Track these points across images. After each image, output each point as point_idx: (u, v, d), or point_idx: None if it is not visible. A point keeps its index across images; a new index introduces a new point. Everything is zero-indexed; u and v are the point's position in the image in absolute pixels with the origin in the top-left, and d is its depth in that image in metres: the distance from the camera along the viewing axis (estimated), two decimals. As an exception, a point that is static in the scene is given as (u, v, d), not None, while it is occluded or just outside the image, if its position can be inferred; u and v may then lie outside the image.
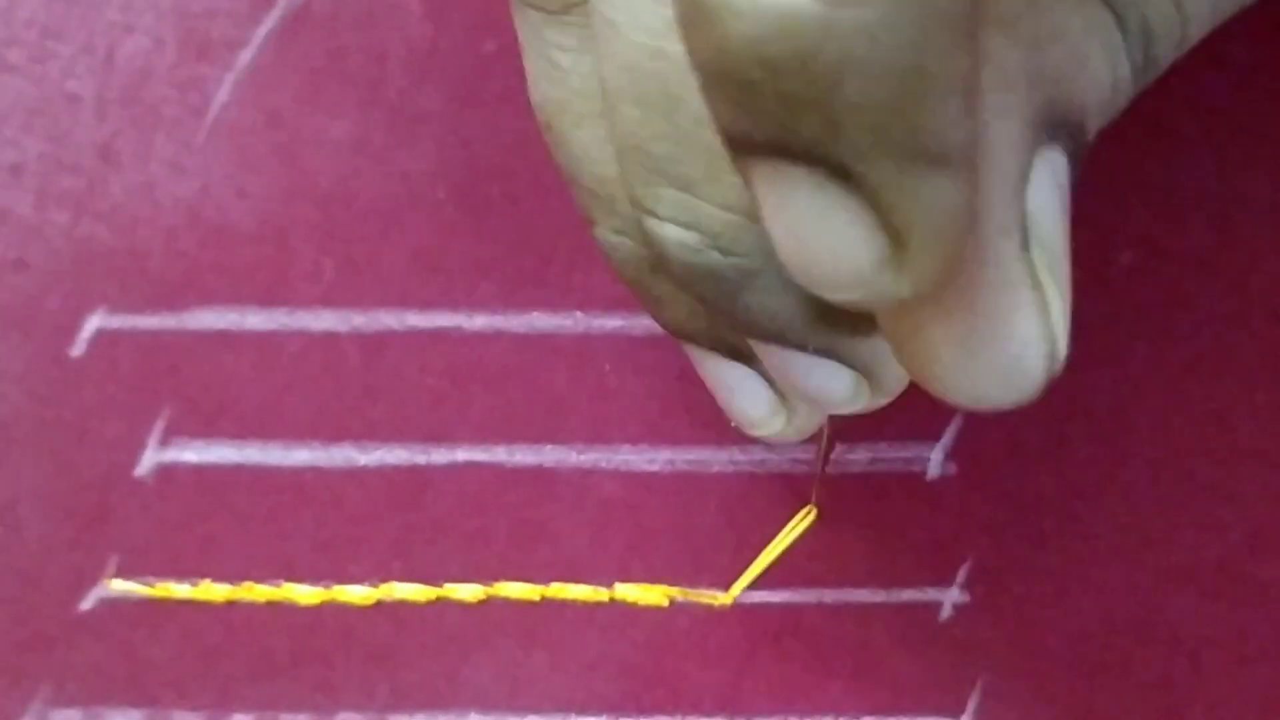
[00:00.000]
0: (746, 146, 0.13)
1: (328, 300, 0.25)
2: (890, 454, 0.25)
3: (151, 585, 0.25)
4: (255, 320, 0.25)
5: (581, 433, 0.25)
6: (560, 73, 0.18)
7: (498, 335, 0.25)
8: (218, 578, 0.25)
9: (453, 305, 0.25)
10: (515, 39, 0.20)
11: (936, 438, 0.25)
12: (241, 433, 0.25)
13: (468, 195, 0.25)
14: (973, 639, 0.24)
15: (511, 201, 0.25)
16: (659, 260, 0.17)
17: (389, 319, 0.25)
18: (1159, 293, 0.25)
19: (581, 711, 0.24)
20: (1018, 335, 0.15)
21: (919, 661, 0.24)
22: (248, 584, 0.25)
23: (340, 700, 0.25)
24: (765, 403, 0.20)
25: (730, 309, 0.17)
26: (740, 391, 0.20)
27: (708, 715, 0.24)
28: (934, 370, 0.15)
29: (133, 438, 0.25)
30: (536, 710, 0.24)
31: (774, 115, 0.12)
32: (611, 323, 0.25)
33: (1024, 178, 0.15)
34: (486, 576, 0.25)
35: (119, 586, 0.25)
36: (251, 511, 0.25)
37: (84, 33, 0.25)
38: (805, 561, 0.25)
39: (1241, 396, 0.24)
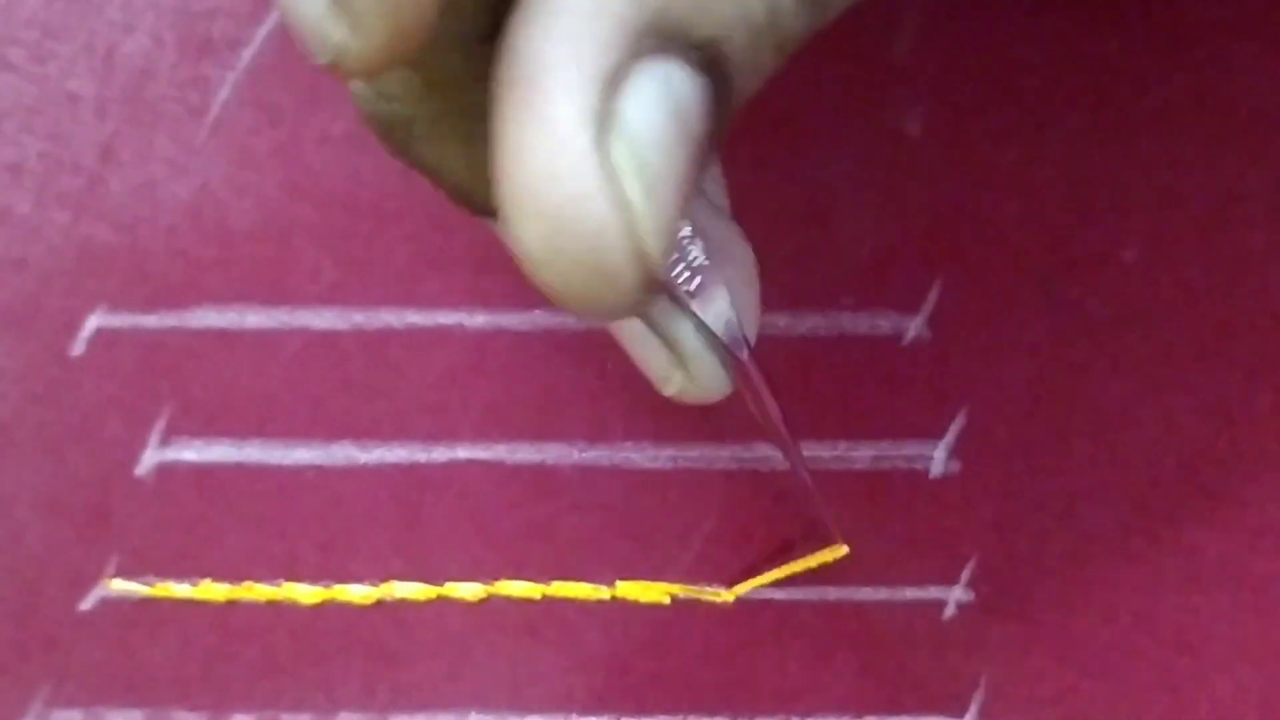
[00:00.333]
0: None
1: (328, 298, 0.25)
2: (894, 452, 0.25)
3: (152, 585, 0.25)
4: (256, 319, 0.25)
5: (583, 431, 0.25)
6: None
7: (499, 333, 0.25)
8: (218, 577, 0.25)
9: (453, 303, 0.25)
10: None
11: (940, 436, 0.25)
12: (242, 432, 0.25)
13: (469, 193, 0.25)
14: (977, 638, 0.24)
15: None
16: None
17: (389, 317, 0.25)
18: (1160, 292, 0.25)
19: (583, 710, 0.24)
20: (589, 226, 0.15)
21: (922, 660, 0.24)
22: (248, 583, 0.25)
23: (341, 700, 0.24)
24: (664, 358, 0.21)
25: (409, 161, 0.18)
26: (640, 348, 0.21)
27: (709, 713, 0.24)
28: (523, 252, 0.15)
29: (133, 437, 0.25)
30: (538, 709, 0.24)
31: None
32: (613, 321, 0.25)
33: (614, 78, 0.15)
34: (487, 575, 0.25)
35: (119, 586, 0.25)
36: (252, 511, 0.25)
37: (84, 32, 0.25)
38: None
39: (1241, 396, 0.24)
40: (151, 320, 0.25)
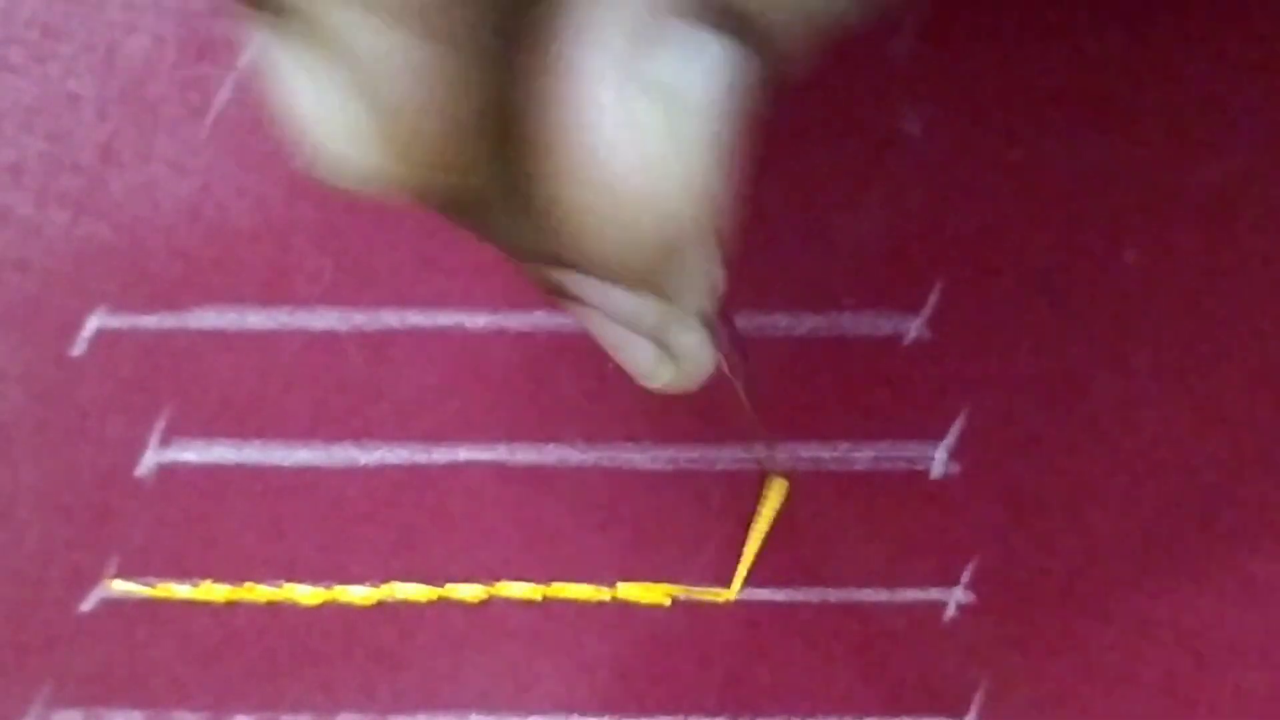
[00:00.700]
0: None
1: (328, 299, 0.25)
2: (894, 453, 0.25)
3: (152, 585, 0.25)
4: (256, 319, 0.25)
5: (583, 432, 0.25)
6: None
7: (499, 334, 0.25)
8: (218, 578, 0.25)
9: (454, 304, 0.25)
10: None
11: (940, 437, 0.25)
12: (242, 432, 0.25)
13: (469, 194, 0.25)
14: (977, 639, 0.24)
15: (513, 200, 0.25)
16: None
17: (390, 318, 0.25)
18: (1160, 292, 0.25)
19: (583, 711, 0.24)
20: (619, 185, 0.15)
21: (923, 661, 0.24)
22: (248, 584, 0.25)
23: (341, 700, 0.24)
24: (649, 352, 0.20)
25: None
26: (623, 343, 0.21)
27: (710, 714, 0.24)
28: (557, 212, 0.15)
29: (133, 437, 0.25)
30: (538, 710, 0.24)
31: None
32: (613, 322, 0.25)
33: (649, 38, 0.15)
34: (488, 576, 0.25)
35: (120, 587, 0.25)
36: (252, 511, 0.25)
37: (85, 32, 0.25)
38: (808, 560, 0.24)
39: (1241, 396, 0.24)
40: (152, 321, 0.25)
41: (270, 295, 0.25)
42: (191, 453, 0.25)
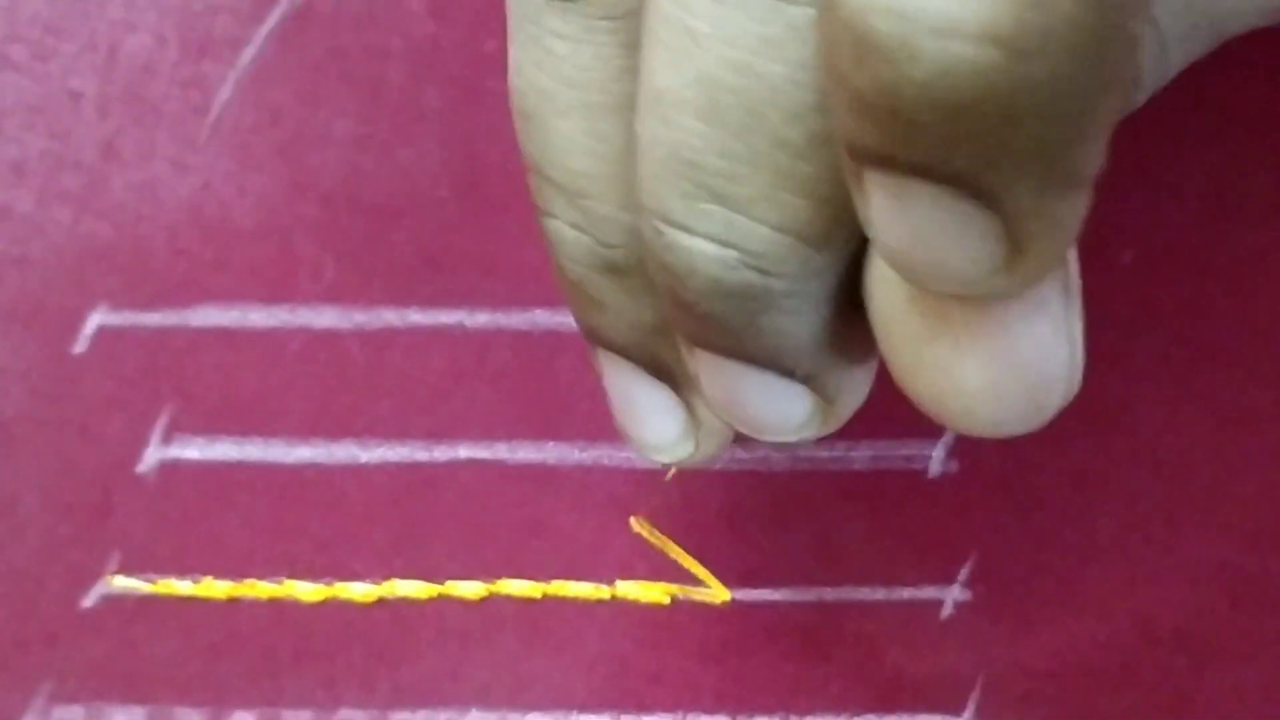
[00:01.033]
0: (879, 163, 0.13)
1: (330, 297, 0.25)
2: (892, 451, 0.25)
3: (153, 582, 0.25)
4: (257, 317, 0.25)
5: (584, 430, 0.25)
6: (554, 60, 0.18)
7: (500, 332, 0.25)
8: (220, 575, 0.25)
9: (455, 302, 0.25)
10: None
11: (938, 435, 0.25)
12: (243, 430, 0.25)
13: (470, 193, 0.25)
14: (974, 637, 0.24)
15: (514, 199, 0.25)
16: (670, 274, 0.17)
17: (391, 316, 0.25)
18: (1159, 292, 0.25)
19: (583, 708, 0.24)
20: (1051, 357, 0.15)
21: (920, 660, 0.24)
22: (250, 581, 0.25)
23: (342, 697, 0.25)
24: (677, 425, 0.20)
25: (741, 327, 0.17)
26: (652, 411, 0.20)
27: (708, 712, 0.24)
28: (956, 396, 0.15)
29: (135, 435, 0.25)
30: (538, 707, 0.24)
31: (930, 146, 0.13)
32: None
33: None
34: (488, 574, 0.25)
35: (121, 583, 0.25)
36: (253, 508, 0.25)
37: (86, 30, 0.25)
38: (806, 559, 0.25)
39: (1241, 396, 0.24)
40: (153, 318, 0.25)
41: (272, 293, 0.25)
42: (193, 450, 0.25)
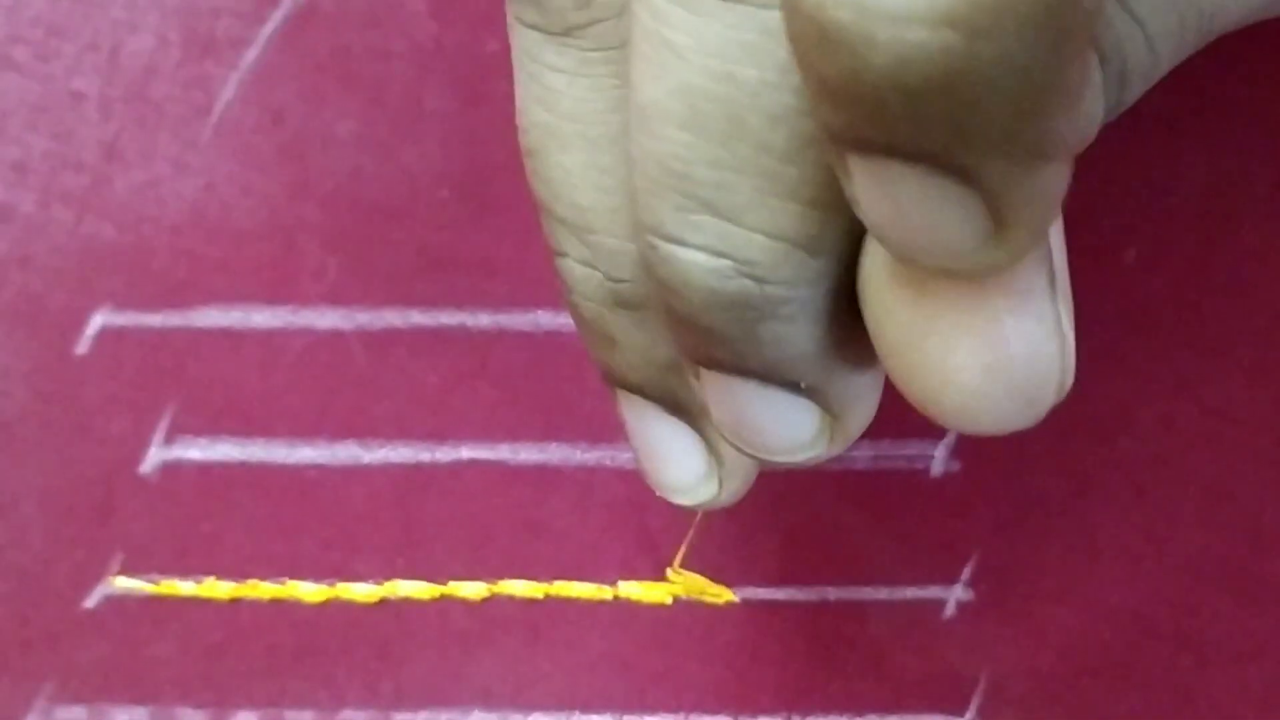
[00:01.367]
0: (855, 146, 0.14)
1: (332, 298, 0.25)
2: (894, 451, 0.25)
3: (156, 582, 0.25)
4: (260, 318, 0.25)
5: (586, 431, 0.25)
6: (553, 95, 0.18)
7: (502, 333, 0.25)
8: (222, 575, 0.25)
9: (457, 303, 0.25)
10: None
11: (940, 435, 0.25)
12: (246, 430, 0.25)
13: (472, 193, 0.25)
14: (976, 637, 0.24)
15: (516, 199, 0.25)
16: (667, 289, 0.17)
17: (393, 317, 0.25)
18: (1159, 292, 0.25)
19: (585, 709, 0.24)
20: (1041, 350, 0.15)
21: (922, 659, 0.24)
22: (252, 581, 0.25)
23: (344, 697, 0.25)
24: (699, 464, 0.20)
25: (741, 338, 0.17)
26: (673, 452, 0.20)
27: (711, 713, 0.24)
28: (950, 392, 0.15)
29: (137, 435, 0.25)
30: (540, 707, 0.24)
31: (900, 128, 0.13)
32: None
33: None
34: (490, 574, 0.25)
35: (123, 584, 0.25)
36: (256, 509, 0.25)
37: (89, 31, 0.25)
38: (809, 559, 0.25)
39: (1241, 396, 0.24)
40: (156, 319, 0.25)
41: (274, 294, 0.25)
42: (195, 450, 0.25)
